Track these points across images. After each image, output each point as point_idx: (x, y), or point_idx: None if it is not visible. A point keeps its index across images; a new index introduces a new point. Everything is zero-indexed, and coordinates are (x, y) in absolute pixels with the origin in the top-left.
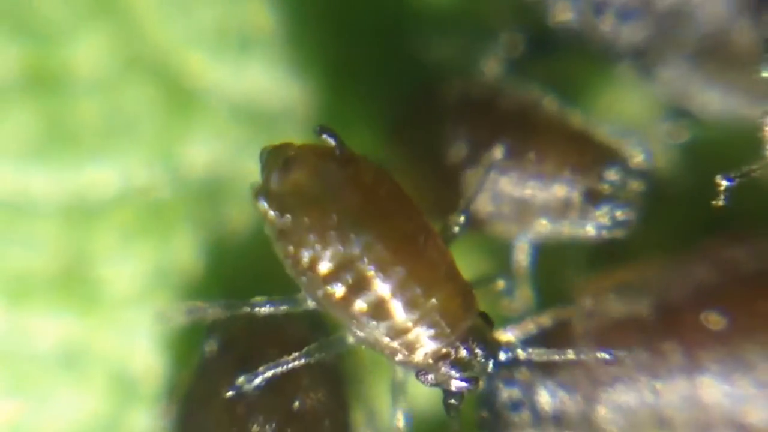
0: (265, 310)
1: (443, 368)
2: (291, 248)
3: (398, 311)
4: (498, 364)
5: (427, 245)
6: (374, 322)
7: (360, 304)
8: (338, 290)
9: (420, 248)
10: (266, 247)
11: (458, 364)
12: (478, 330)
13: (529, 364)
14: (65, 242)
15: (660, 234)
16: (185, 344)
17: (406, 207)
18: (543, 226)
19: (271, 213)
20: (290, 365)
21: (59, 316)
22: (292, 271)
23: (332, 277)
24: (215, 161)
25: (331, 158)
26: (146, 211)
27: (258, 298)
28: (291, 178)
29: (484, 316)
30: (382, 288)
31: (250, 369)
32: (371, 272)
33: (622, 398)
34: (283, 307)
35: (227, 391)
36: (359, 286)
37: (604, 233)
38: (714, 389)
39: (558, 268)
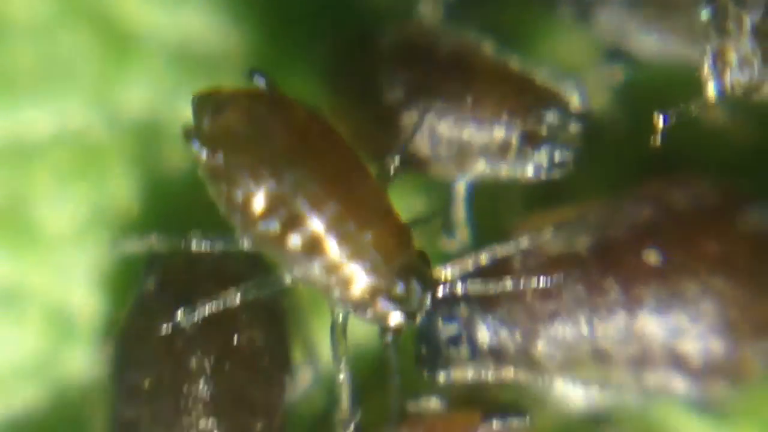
0: (202, 246)
1: (379, 304)
2: (224, 188)
3: (332, 247)
4: (435, 300)
5: (361, 183)
6: (309, 259)
7: (294, 241)
8: (272, 228)
9: (353, 186)
10: (203, 189)
11: (394, 300)
12: (415, 266)
13: (468, 300)
14: (1, 183)
15: (598, 176)
16: (123, 282)
17: (338, 147)
18: (481, 168)
19: (203, 154)
20: (228, 303)
21: None
22: (227, 211)
23: (265, 215)
24: (152, 104)
25: (262, 100)
26: (83, 152)
27: (195, 234)
28: (222, 120)
29: (421, 253)
30: (315, 224)
31: (188, 305)
32: (304, 209)
33: (560, 333)
34: (219, 245)
35: (165, 327)
36: (292, 224)
37: (542, 175)
38: (651, 323)
39: (496, 208)
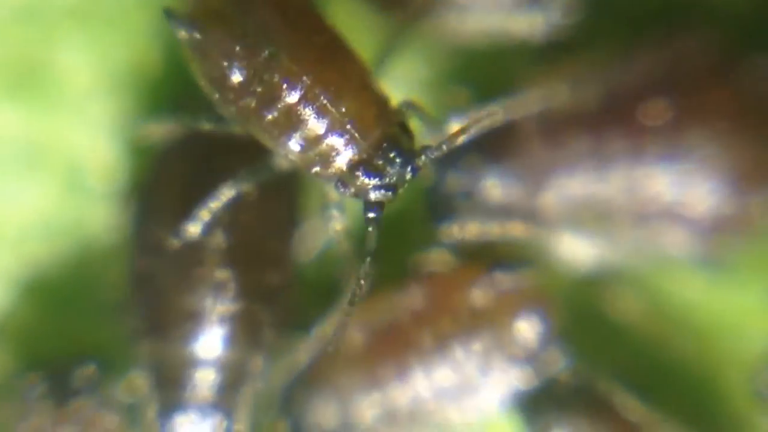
0: (195, 123)
1: (360, 177)
2: (205, 65)
3: (308, 120)
4: (416, 170)
5: (337, 57)
6: (287, 135)
7: (271, 116)
8: (250, 103)
9: (328, 59)
10: None
11: (374, 171)
12: (394, 137)
13: (478, 151)
14: (20, 41)
15: (609, 26)
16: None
17: (315, 21)
18: (488, 23)
19: (184, 32)
20: (224, 199)
21: (15, 112)
22: (208, 89)
23: (243, 89)
24: None
25: None
26: (102, 8)
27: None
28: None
29: (401, 124)
30: (289, 97)
31: (204, 163)
32: (277, 82)
33: (566, 186)
34: (211, 123)
35: (173, 238)
36: (269, 97)
37: (551, 29)
38: (657, 174)
39: (506, 65)
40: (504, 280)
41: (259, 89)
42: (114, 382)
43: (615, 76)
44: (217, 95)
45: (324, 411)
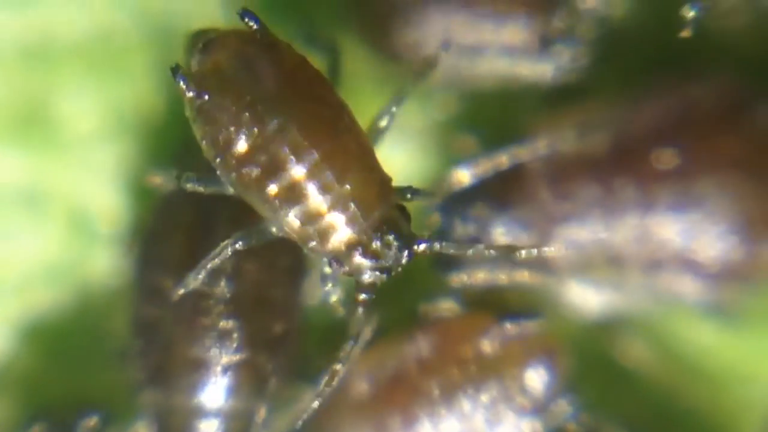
0: (195, 186)
1: (356, 257)
2: (208, 128)
3: (311, 195)
4: (412, 256)
5: (345, 132)
6: (288, 207)
7: (273, 187)
8: (253, 172)
9: (336, 134)
10: None
11: (371, 254)
12: (394, 221)
13: (485, 200)
14: (24, 82)
15: (617, 73)
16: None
17: (325, 93)
18: (501, 67)
19: (190, 93)
20: (219, 257)
21: (19, 155)
22: (209, 153)
23: (247, 158)
24: (178, 5)
25: (252, 42)
26: (107, 51)
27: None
28: (211, 60)
29: (401, 208)
30: (295, 171)
31: (209, 210)
32: (285, 154)
33: (576, 234)
34: (210, 186)
35: (177, 289)
36: (273, 169)
37: (560, 73)
38: (666, 224)
39: (514, 110)
40: (512, 329)
41: (263, 158)
42: None
43: (624, 121)
44: (218, 160)
45: None
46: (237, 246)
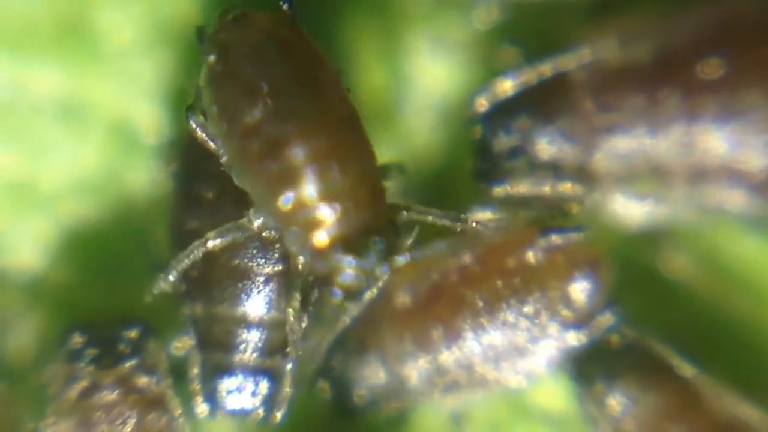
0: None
1: (336, 255)
2: (220, 94)
3: (307, 182)
4: (390, 268)
5: (352, 132)
6: (281, 189)
7: (273, 165)
8: (255, 146)
9: (344, 130)
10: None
11: (353, 254)
12: (381, 228)
13: (529, 111)
14: None
15: None
16: (185, 95)
17: (341, 93)
18: None
19: (211, 57)
20: (190, 258)
21: (59, 67)
22: (216, 118)
23: (254, 130)
24: None
25: (282, 25)
26: None
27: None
28: (239, 34)
29: (391, 221)
30: (296, 154)
31: None
32: (293, 134)
33: (619, 145)
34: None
35: (151, 290)
36: (276, 146)
37: None
38: (711, 135)
39: (557, 21)
40: (556, 241)
41: (270, 133)
42: (157, 344)
43: (669, 31)
44: (225, 126)
45: (370, 373)
46: (209, 245)
